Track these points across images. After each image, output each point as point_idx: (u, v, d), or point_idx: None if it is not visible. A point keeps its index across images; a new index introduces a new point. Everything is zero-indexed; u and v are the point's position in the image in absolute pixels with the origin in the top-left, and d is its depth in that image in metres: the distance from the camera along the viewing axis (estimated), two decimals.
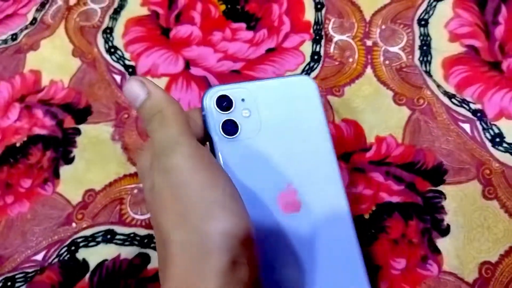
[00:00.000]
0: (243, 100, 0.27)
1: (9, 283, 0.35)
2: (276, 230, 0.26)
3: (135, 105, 0.24)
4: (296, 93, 0.28)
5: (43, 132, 0.40)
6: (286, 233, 0.26)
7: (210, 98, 0.26)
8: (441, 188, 0.34)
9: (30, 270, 0.35)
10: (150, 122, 0.23)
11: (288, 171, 0.26)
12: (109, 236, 0.35)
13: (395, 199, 0.34)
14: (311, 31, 0.41)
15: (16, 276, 0.35)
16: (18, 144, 0.40)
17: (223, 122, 0.26)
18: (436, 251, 0.32)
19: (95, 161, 0.39)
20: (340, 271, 0.26)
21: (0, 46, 0.46)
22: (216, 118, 0.26)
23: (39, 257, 0.35)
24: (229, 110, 0.26)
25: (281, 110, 0.27)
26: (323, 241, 0.26)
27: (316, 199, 0.26)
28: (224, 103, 0.27)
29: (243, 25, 0.43)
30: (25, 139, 0.40)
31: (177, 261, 0.20)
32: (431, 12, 0.40)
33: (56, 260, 0.35)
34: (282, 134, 0.27)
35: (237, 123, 0.26)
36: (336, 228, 0.26)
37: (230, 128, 0.26)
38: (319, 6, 0.42)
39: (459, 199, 0.34)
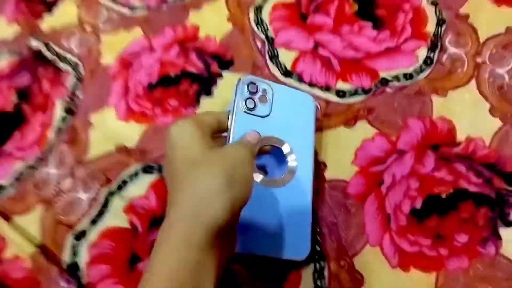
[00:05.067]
0: (264, 90, 0.38)
1: None
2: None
3: None
4: (300, 102, 0.41)
5: (193, 70, 0.51)
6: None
7: (243, 82, 0.38)
8: None
9: None
10: None
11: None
12: None
13: (472, 188, 0.40)
14: (429, 40, 0.48)
15: None
16: (172, 75, 0.51)
17: (247, 98, 0.37)
18: (497, 237, 0.38)
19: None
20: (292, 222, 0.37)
21: (169, 3, 0.58)
22: (244, 95, 0.37)
23: None
24: (253, 94, 0.38)
25: (287, 108, 0.39)
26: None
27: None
28: (252, 87, 0.38)
29: (370, 24, 0.51)
30: (178, 73, 0.52)
31: None
32: None
33: None
34: (282, 123, 0.39)
35: (256, 103, 0.37)
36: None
37: (250, 104, 0.37)
38: (441, 22, 0.49)
39: None
